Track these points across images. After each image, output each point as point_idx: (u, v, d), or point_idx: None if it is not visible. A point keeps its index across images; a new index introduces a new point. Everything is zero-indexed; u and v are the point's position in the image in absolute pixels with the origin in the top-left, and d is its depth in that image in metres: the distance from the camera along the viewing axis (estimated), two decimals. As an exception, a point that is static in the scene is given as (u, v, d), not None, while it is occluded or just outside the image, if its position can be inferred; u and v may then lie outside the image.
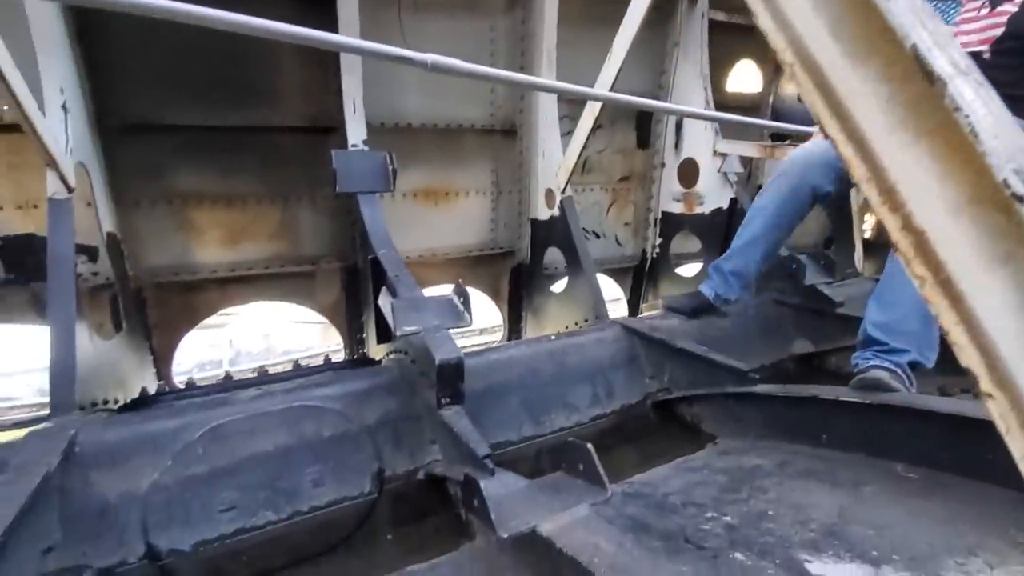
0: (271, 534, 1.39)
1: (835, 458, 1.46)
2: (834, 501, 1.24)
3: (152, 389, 2.24)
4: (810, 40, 0.45)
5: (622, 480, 1.50)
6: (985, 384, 0.42)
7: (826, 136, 0.46)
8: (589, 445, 1.07)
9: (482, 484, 1.04)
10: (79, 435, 1.37)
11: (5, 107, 1.90)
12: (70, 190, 1.71)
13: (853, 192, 3.59)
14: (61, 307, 1.64)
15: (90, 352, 1.79)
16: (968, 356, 0.43)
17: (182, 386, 2.16)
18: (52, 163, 1.64)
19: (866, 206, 4.20)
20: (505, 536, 0.93)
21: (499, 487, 1.11)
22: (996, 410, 0.43)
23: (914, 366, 1.70)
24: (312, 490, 1.47)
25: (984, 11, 1.67)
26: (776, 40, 0.47)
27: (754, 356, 2.35)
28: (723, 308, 2.35)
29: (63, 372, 1.58)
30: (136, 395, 1.97)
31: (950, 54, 0.39)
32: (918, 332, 1.70)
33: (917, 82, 0.40)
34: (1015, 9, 1.63)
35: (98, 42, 2.11)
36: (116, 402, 1.88)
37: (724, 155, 3.08)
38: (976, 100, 0.39)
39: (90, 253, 2.16)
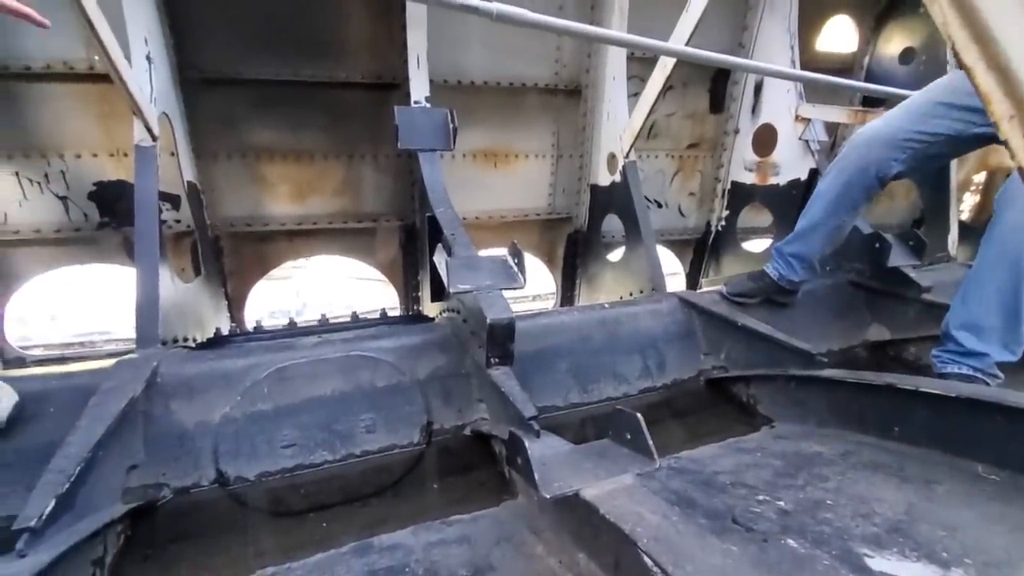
0: (326, 472, 1.48)
1: (906, 452, 1.36)
2: (902, 497, 1.16)
3: (225, 331, 2.41)
4: None
5: (669, 455, 1.47)
6: None
7: (960, 65, 0.38)
8: (638, 414, 1.05)
9: (527, 443, 1.04)
10: (161, 366, 1.49)
11: (96, 57, 2.03)
12: (154, 138, 1.81)
13: (953, 167, 3.23)
14: (146, 250, 1.76)
15: (172, 293, 1.93)
16: None
17: (252, 329, 2.31)
18: (138, 111, 1.73)
19: (966, 184, 3.78)
20: (548, 497, 0.93)
21: (544, 448, 1.11)
22: None
23: (998, 364, 1.62)
24: (365, 435, 1.53)
25: None
26: None
27: (823, 340, 2.21)
28: (792, 292, 2.21)
29: (148, 310, 1.70)
30: (211, 335, 2.12)
31: None
32: (1001, 328, 1.61)
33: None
34: None
35: (179, -5, 2.18)
36: (194, 340, 2.02)
37: (807, 121, 2.84)
38: None
39: (173, 201, 2.30)
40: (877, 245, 2.30)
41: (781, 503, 1.18)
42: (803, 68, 2.95)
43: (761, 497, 1.21)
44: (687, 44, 2.12)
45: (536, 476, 0.98)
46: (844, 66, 3.54)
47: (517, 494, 1.31)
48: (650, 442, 1.01)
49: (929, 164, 1.93)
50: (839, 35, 3.50)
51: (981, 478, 1.22)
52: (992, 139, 1.69)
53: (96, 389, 1.34)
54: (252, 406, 1.48)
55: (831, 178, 1.99)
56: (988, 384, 1.61)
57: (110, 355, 2.60)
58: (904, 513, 1.11)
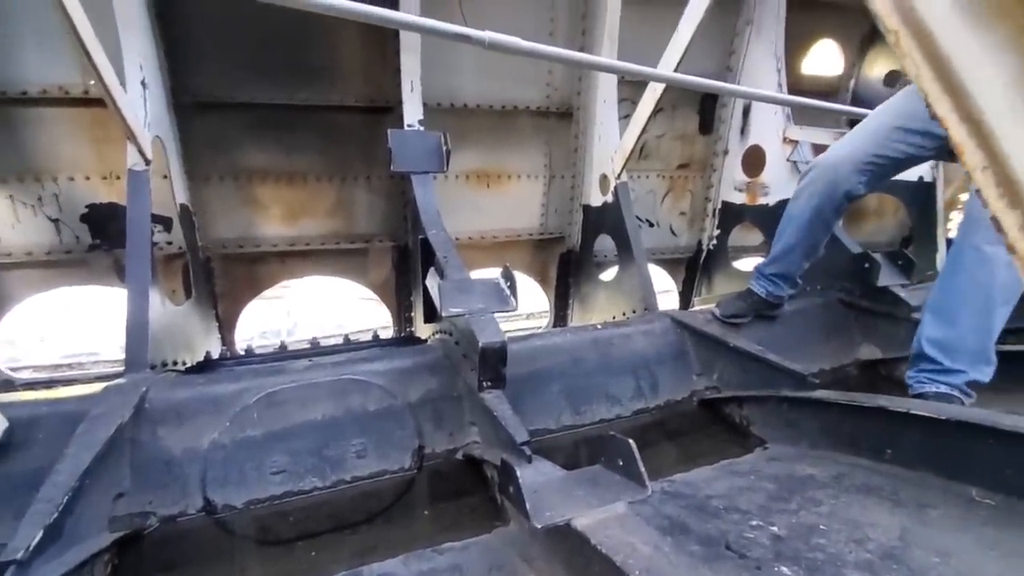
0: (316, 499, 1.45)
1: (899, 475, 1.36)
2: (895, 521, 1.16)
3: (216, 354, 2.39)
4: (921, 2, 0.38)
5: (662, 478, 1.46)
6: None
7: (933, 116, 0.39)
8: (630, 440, 1.04)
9: (519, 471, 1.03)
10: (150, 392, 1.47)
11: (91, 82, 2.04)
12: (148, 162, 1.81)
13: (939, 187, 3.29)
14: (137, 272, 1.76)
15: (162, 315, 1.92)
16: None
17: (242, 352, 2.29)
18: (132, 136, 1.74)
19: (953, 203, 3.84)
20: (539, 527, 0.92)
21: (536, 475, 1.10)
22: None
23: (972, 384, 1.65)
24: (355, 461, 1.52)
25: None
26: (879, 5, 0.40)
27: (814, 359, 2.22)
28: (780, 306, 2.24)
29: (137, 333, 1.69)
30: (201, 358, 2.10)
31: None
32: (975, 349, 1.64)
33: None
34: None
35: (175, 21, 2.21)
36: (184, 363, 2.00)
37: (795, 142, 2.89)
38: None
39: (165, 223, 2.31)
40: (866, 265, 2.33)
41: (774, 528, 1.17)
42: (790, 91, 3.02)
43: (755, 522, 1.21)
44: (676, 69, 2.16)
45: (528, 505, 0.97)
46: (830, 89, 3.62)
47: (509, 521, 1.29)
48: (642, 469, 1.00)
49: (886, 180, 2.04)
50: (825, 59, 3.59)
51: (975, 502, 1.22)
52: (942, 158, 1.74)
53: (85, 415, 1.32)
54: (241, 432, 1.46)
55: (803, 202, 2.05)
56: (963, 403, 1.62)
57: (99, 378, 2.58)
58: (898, 538, 1.10)
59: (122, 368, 1.65)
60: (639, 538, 0.87)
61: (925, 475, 1.35)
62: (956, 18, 0.36)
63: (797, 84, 3.34)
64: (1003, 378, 1.70)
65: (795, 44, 3.23)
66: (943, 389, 1.65)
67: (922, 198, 3.24)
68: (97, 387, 1.50)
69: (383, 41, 2.43)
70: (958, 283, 1.67)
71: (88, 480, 1.16)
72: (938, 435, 1.34)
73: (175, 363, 1.95)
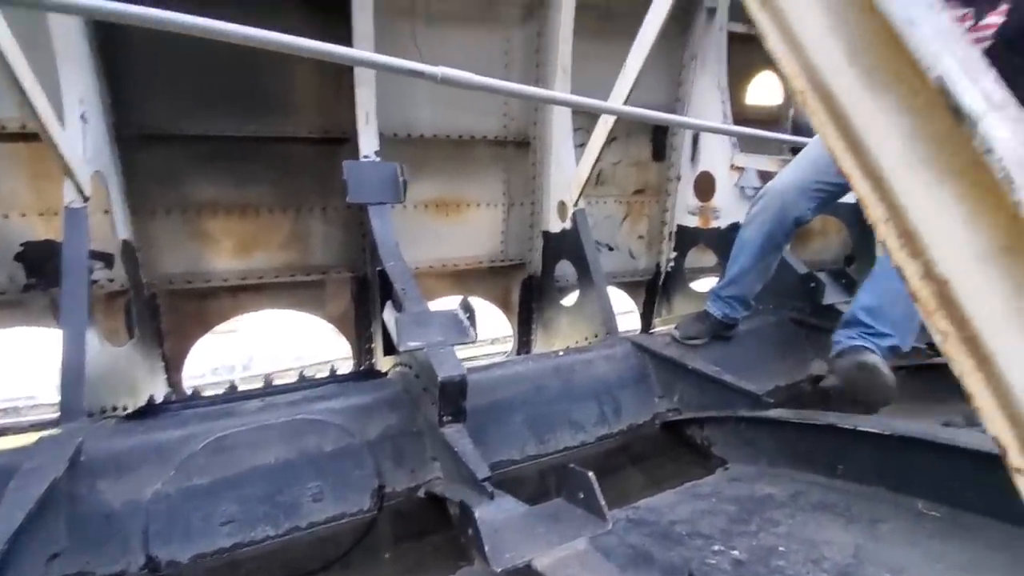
0: (269, 549, 1.38)
1: (852, 491, 1.40)
2: (849, 538, 1.19)
3: (162, 395, 2.27)
4: (824, 66, 0.41)
5: (627, 505, 1.46)
6: (1015, 458, 0.38)
7: (840, 171, 0.42)
8: (590, 473, 1.04)
9: (477, 514, 1.01)
10: (86, 442, 1.38)
11: (27, 117, 1.95)
12: (85, 199, 1.74)
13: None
14: (73, 313, 1.67)
15: (101, 358, 1.81)
16: (995, 425, 0.38)
17: (189, 394, 2.18)
18: (69, 172, 1.67)
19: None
20: (499, 570, 0.90)
21: (496, 513, 1.08)
22: (1028, 489, 0.38)
23: (892, 349, 1.81)
24: (311, 505, 1.45)
25: (968, 23, 1.60)
26: (787, 64, 0.43)
27: (769, 377, 2.29)
28: (735, 326, 2.31)
29: (73, 378, 1.60)
30: (144, 402, 1.99)
31: (983, 86, 0.35)
32: (902, 319, 1.79)
33: (943, 117, 0.36)
34: (1001, 20, 1.55)
35: (119, 53, 2.15)
36: (125, 408, 1.89)
37: (742, 169, 3.03)
38: (1012, 140, 0.34)
39: (106, 260, 2.20)
40: (812, 284, 2.44)
41: (735, 552, 1.18)
42: (735, 120, 3.17)
43: (716, 547, 1.21)
44: (627, 100, 2.24)
45: (487, 547, 0.95)
46: (771, 118, 3.82)
47: (474, 560, 1.26)
48: (602, 502, 1.00)
49: (834, 203, 2.17)
50: (766, 89, 3.80)
51: (923, 515, 1.27)
52: None
53: (16, 470, 1.23)
54: (187, 481, 1.38)
55: (754, 228, 2.15)
56: (877, 355, 1.75)
57: (34, 427, 2.40)
58: (852, 556, 1.13)
59: (59, 415, 1.55)
60: (599, 574, 0.86)
61: (875, 489, 1.39)
62: (855, 81, 0.39)
63: (742, 113, 3.51)
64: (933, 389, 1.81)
65: (738, 75, 3.41)
66: (869, 344, 1.77)
67: (861, 219, 3.44)
68: (30, 438, 1.41)
69: (338, 73, 2.43)
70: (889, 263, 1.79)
71: (20, 541, 1.07)
72: (884, 450, 1.39)
73: (115, 409, 1.84)
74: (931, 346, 2.36)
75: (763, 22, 0.43)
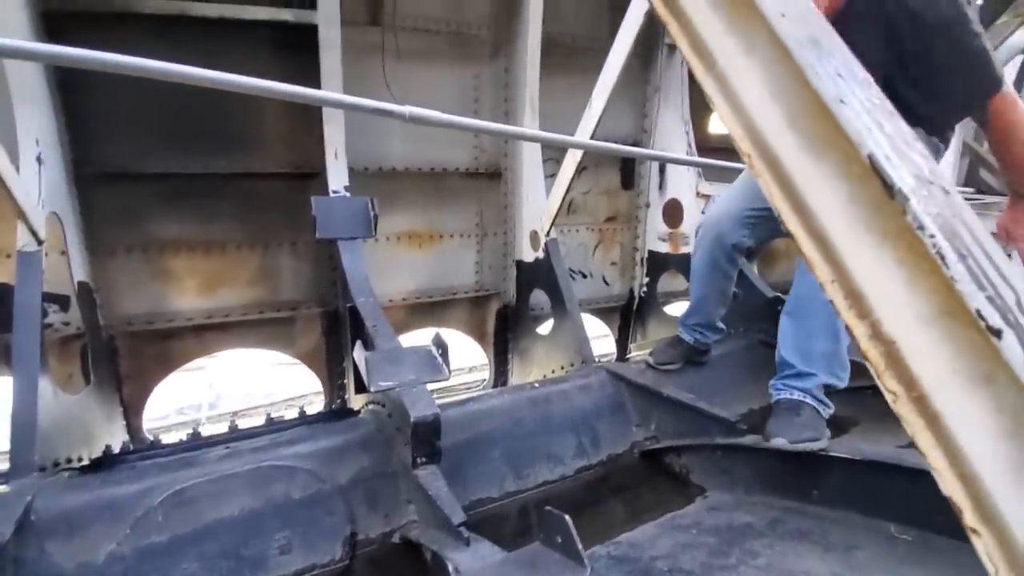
0: (233, 608, 1.31)
1: (827, 516, 1.41)
2: (826, 568, 1.19)
3: (118, 445, 2.16)
4: (767, 131, 0.43)
5: (608, 540, 1.43)
6: (969, 518, 0.38)
7: (787, 232, 0.43)
8: (567, 517, 1.02)
9: (450, 566, 0.97)
10: (36, 501, 1.30)
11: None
12: (40, 242, 1.67)
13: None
14: (25, 360, 1.59)
15: (55, 407, 1.72)
16: (948, 485, 0.39)
17: (151, 438, 2.08)
18: (22, 215, 1.61)
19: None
20: (474, 626, 0.87)
21: (472, 561, 1.05)
22: (982, 548, 0.38)
23: (827, 388, 1.70)
24: (279, 558, 1.39)
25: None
26: (733, 127, 0.45)
27: (742, 400, 2.31)
28: (707, 351, 2.33)
29: (24, 431, 1.51)
30: (100, 452, 1.89)
31: (912, 161, 0.37)
32: (828, 351, 1.69)
33: (876, 187, 0.37)
34: None
35: (79, 92, 2.11)
36: (80, 460, 1.79)
37: (708, 196, 3.12)
38: (941, 216, 0.36)
39: (61, 303, 2.10)
40: (779, 307, 2.48)
41: (716, 589, 1.17)
42: (699, 149, 3.28)
43: (697, 584, 1.20)
44: (593, 135, 2.30)
45: (462, 601, 0.91)
46: (733, 147, 3.96)
47: (450, 610, 1.21)
48: (579, 547, 0.98)
49: (778, 229, 2.16)
50: (726, 119, 3.94)
51: (895, 539, 1.28)
52: None
53: (-42, 536, 1.14)
54: (144, 539, 1.31)
55: (699, 257, 2.18)
56: (823, 403, 1.66)
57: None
58: (830, 586, 1.13)
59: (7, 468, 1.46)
60: (579, 625, 0.83)
61: (848, 514, 1.40)
62: (795, 146, 0.40)
63: (705, 142, 3.63)
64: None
65: (701, 107, 3.53)
66: (796, 396, 1.67)
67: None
68: (-24, 496, 1.31)
69: (306, 109, 2.43)
70: (806, 285, 1.74)
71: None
72: (854, 474, 1.41)
73: (70, 460, 1.74)
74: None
75: (709, 86, 0.44)
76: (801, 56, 0.39)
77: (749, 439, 1.69)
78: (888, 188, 0.37)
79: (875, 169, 0.37)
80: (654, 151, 3.02)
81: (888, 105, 0.39)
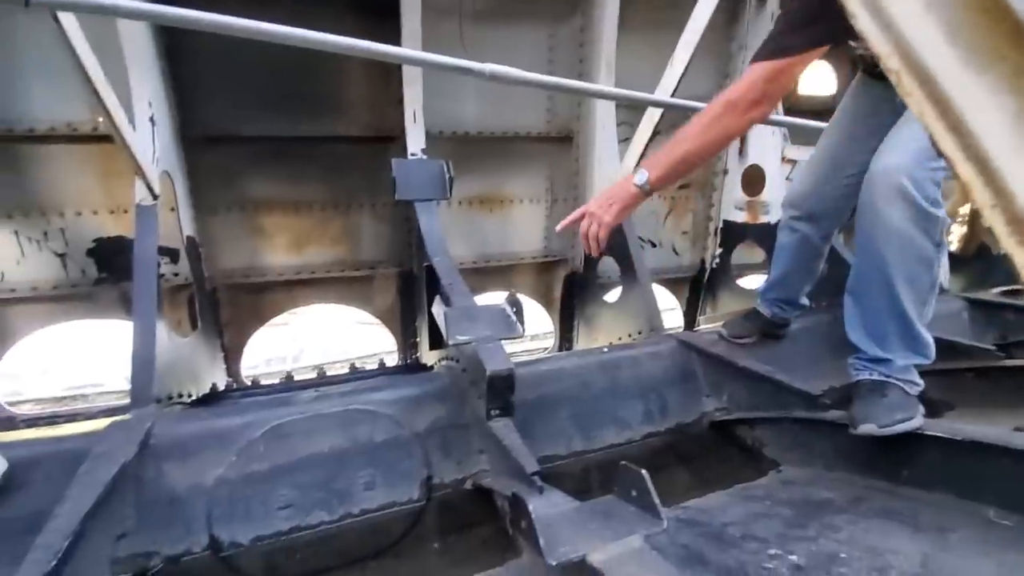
0: (323, 534, 1.43)
1: (918, 498, 1.33)
2: (916, 547, 1.13)
3: (222, 385, 2.38)
4: (920, 44, 0.39)
5: (676, 504, 1.43)
6: None
7: (940, 154, 0.40)
8: (644, 472, 1.03)
9: (531, 507, 1.01)
10: (154, 428, 1.45)
11: (100, 119, 2.08)
12: (155, 197, 1.84)
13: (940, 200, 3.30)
14: (144, 306, 1.76)
15: (168, 348, 1.91)
16: None
17: (248, 383, 2.28)
18: (140, 172, 1.77)
19: (953, 215, 3.84)
20: (554, 563, 0.90)
21: (548, 507, 1.08)
22: None
23: (907, 368, 1.55)
24: (363, 493, 1.49)
25: None
26: (878, 43, 0.41)
27: (823, 377, 2.18)
28: (787, 326, 2.22)
29: (143, 366, 1.69)
30: (207, 390, 2.09)
31: None
32: (900, 331, 1.55)
33: (1054, 99, 0.33)
34: None
35: (183, 58, 2.27)
36: (189, 396, 1.99)
37: (793, 162, 2.92)
38: None
39: (172, 255, 2.32)
40: (869, 282, 2.31)
41: (793, 557, 1.15)
42: (786, 111, 3.05)
43: (773, 551, 1.18)
44: (673, 94, 2.20)
45: (541, 541, 0.95)
46: (825, 108, 3.66)
47: (521, 552, 1.26)
48: (657, 501, 0.98)
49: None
50: (818, 79, 3.65)
51: (994, 524, 1.19)
52: None
53: (88, 453, 1.30)
54: (247, 466, 1.44)
55: (786, 234, 2.04)
56: (904, 389, 1.51)
57: (103, 412, 2.56)
58: (920, 565, 1.08)
59: (126, 400, 1.64)
60: (657, 573, 0.85)
61: (943, 496, 1.32)
62: (955, 60, 0.37)
63: (794, 104, 3.39)
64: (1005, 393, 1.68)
65: (789, 65, 3.28)
66: (876, 376, 1.55)
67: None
68: (101, 424, 1.49)
69: (386, 73, 2.48)
70: (864, 260, 1.61)
71: (90, 523, 1.13)
72: (953, 455, 1.32)
73: (180, 396, 1.94)
74: (1002, 347, 2.21)
75: (851, 1, 0.41)
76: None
77: (833, 414, 1.61)
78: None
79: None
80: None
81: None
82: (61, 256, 2.33)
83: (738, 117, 1.47)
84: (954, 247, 3.94)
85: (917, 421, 1.40)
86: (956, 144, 0.37)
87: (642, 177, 1.55)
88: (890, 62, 0.39)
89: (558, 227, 1.71)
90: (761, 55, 1.45)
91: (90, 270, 2.38)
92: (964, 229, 4.16)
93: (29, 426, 2.37)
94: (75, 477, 1.22)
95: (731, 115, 1.47)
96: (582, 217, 1.64)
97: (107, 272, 2.39)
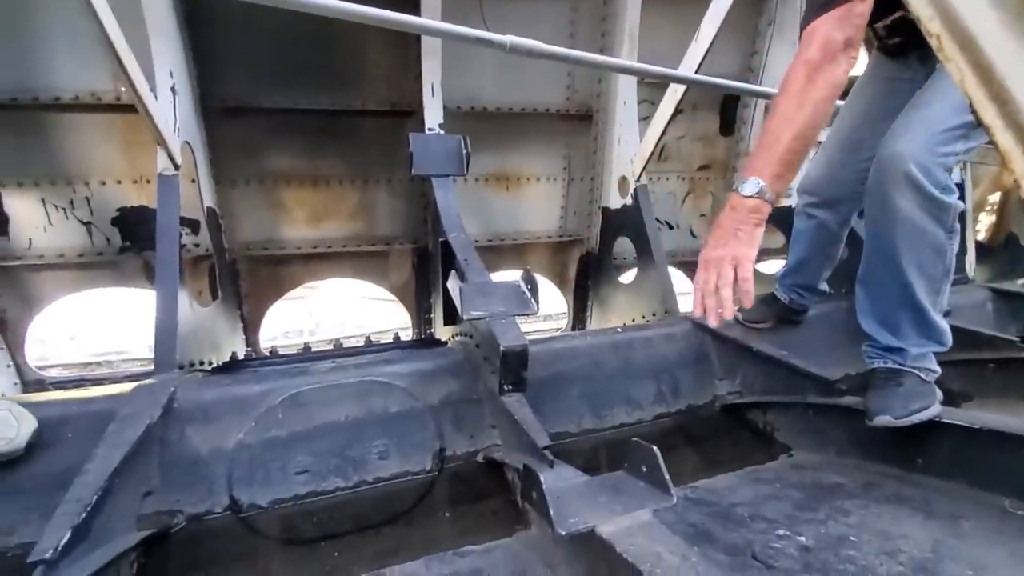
0: (339, 499, 1.47)
1: (931, 485, 1.33)
2: (927, 533, 1.13)
3: (241, 354, 2.44)
4: (963, 6, 0.37)
5: (685, 484, 1.44)
6: None
7: (979, 122, 0.39)
8: (655, 448, 1.04)
9: (542, 477, 1.03)
10: (178, 392, 1.50)
11: (123, 88, 2.10)
12: (177, 167, 1.86)
13: (968, 188, 3.21)
14: (166, 275, 1.80)
15: (190, 317, 1.96)
16: None
17: (267, 353, 2.33)
18: (162, 141, 1.78)
19: (981, 204, 3.73)
20: (563, 533, 0.92)
21: (558, 480, 1.10)
22: None
23: (922, 357, 1.52)
24: (377, 462, 1.53)
25: None
26: (918, 6, 0.39)
27: (839, 364, 2.16)
28: (804, 312, 2.20)
29: (166, 334, 1.73)
30: (227, 359, 2.15)
31: None
32: (914, 319, 1.51)
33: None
34: None
35: (204, 28, 2.26)
36: (210, 364, 2.04)
37: (818, 143, 2.84)
38: None
39: (193, 226, 2.36)
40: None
41: (802, 538, 1.15)
42: (814, 91, 2.96)
43: (781, 531, 1.19)
44: (697, 71, 2.14)
45: (551, 511, 0.97)
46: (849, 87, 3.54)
47: (531, 524, 1.29)
48: (667, 476, 0.99)
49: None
50: (849, 58, 3.52)
51: (1009, 514, 1.19)
52: None
53: (114, 414, 1.35)
54: (266, 432, 1.49)
55: (802, 220, 1.99)
56: (921, 376, 1.48)
57: (128, 378, 2.64)
58: (930, 551, 1.08)
59: (150, 367, 1.69)
60: (665, 547, 0.86)
61: (957, 485, 1.31)
62: (1000, 26, 0.35)
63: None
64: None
65: (819, 43, 3.17)
66: (891, 364, 1.53)
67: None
68: (127, 387, 1.54)
69: (405, 46, 2.46)
70: (872, 246, 1.57)
71: (117, 479, 1.18)
72: (970, 444, 1.31)
73: (202, 363, 1.99)
74: (1024, 338, 2.15)
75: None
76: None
77: (848, 400, 1.59)
78: None
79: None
80: (769, 88, 2.77)
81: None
82: (87, 224, 2.38)
83: (834, 67, 1.27)
84: (981, 236, 3.83)
85: (934, 409, 1.39)
86: (997, 112, 0.36)
87: (754, 185, 1.28)
88: (931, 25, 0.38)
89: (694, 312, 1.46)
90: (813, 11, 1.32)
91: (115, 239, 2.43)
92: (992, 218, 4.03)
93: (58, 388, 2.46)
94: (103, 436, 1.27)
95: (827, 66, 1.27)
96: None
97: (131, 241, 2.44)
